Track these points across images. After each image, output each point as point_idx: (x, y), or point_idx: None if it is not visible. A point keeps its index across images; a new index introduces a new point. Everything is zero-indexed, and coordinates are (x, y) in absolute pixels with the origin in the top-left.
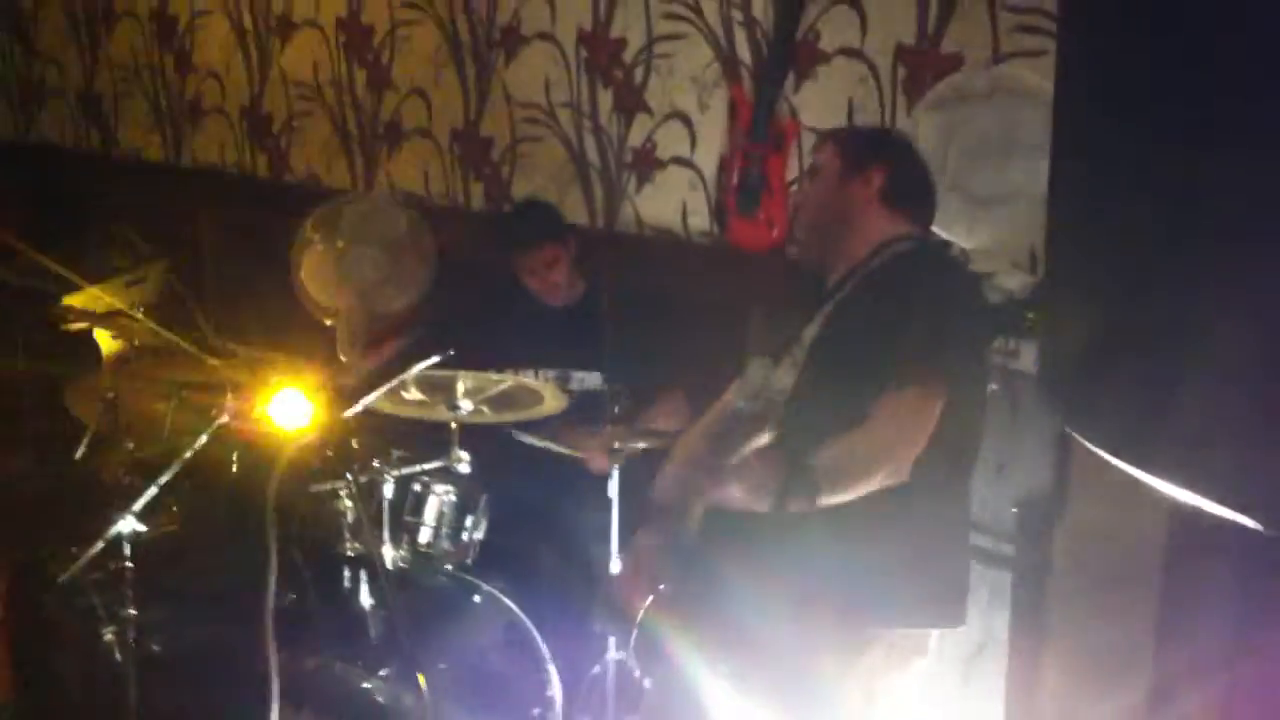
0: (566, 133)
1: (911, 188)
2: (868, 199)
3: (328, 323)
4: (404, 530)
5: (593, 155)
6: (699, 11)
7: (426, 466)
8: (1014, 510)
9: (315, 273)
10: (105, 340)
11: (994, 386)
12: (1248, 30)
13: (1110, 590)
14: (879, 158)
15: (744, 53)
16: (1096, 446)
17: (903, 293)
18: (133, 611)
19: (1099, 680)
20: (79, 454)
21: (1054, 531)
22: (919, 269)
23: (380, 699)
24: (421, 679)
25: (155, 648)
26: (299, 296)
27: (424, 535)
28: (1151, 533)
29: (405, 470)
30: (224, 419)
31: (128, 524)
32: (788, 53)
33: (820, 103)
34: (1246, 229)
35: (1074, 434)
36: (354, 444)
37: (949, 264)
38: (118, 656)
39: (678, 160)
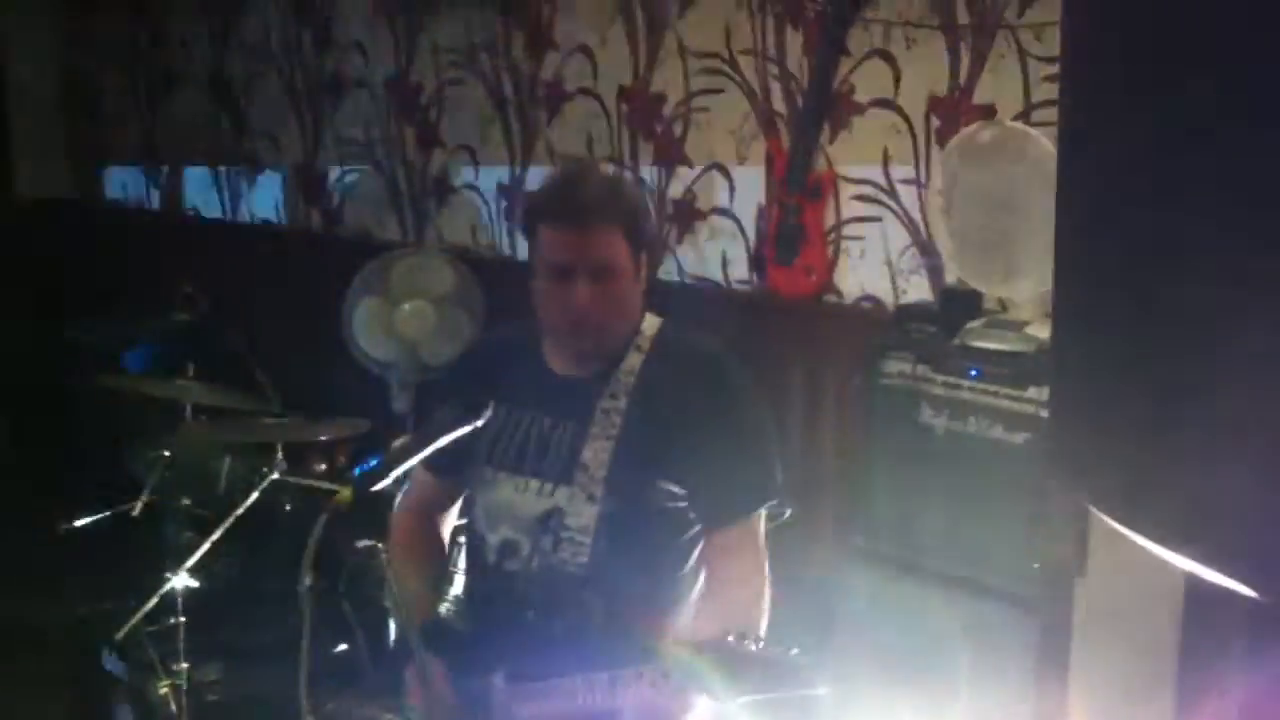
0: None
1: None
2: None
3: (378, 374)
4: (447, 581)
5: None
6: (735, 66)
7: (460, 521)
8: (1036, 566)
9: (366, 326)
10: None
11: (1028, 436)
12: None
13: (1129, 653)
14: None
15: (780, 105)
16: (1102, 510)
17: (707, 392)
18: (185, 665)
19: None
20: (136, 510)
21: (1075, 590)
22: (697, 354)
23: None
24: None
25: (210, 698)
26: (351, 350)
27: (457, 585)
28: (1168, 596)
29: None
30: (275, 475)
31: (181, 580)
32: (823, 104)
33: (855, 152)
34: (1250, 290)
35: (1089, 503)
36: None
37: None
38: (171, 709)
39: (717, 210)
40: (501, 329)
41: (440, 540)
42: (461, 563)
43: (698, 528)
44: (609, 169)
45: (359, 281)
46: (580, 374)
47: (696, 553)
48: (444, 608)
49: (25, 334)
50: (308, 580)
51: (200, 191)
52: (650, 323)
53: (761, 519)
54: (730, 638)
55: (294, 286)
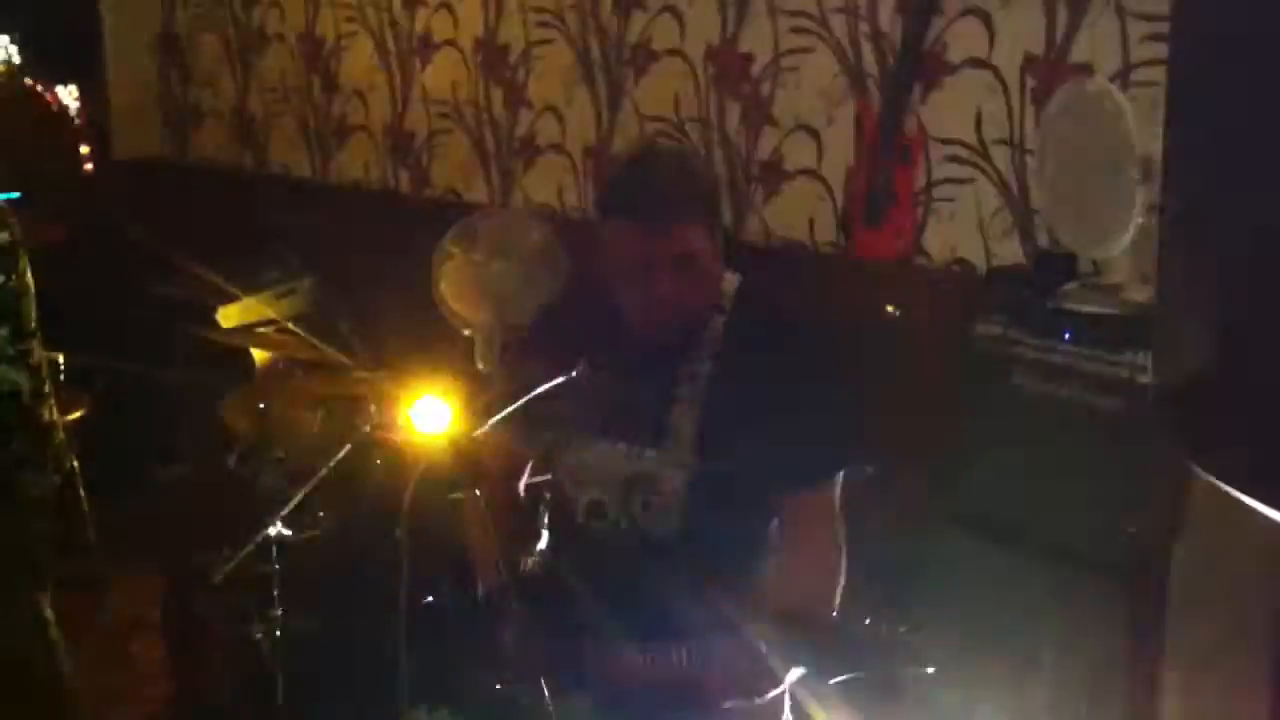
0: (695, 147)
1: None
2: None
3: (466, 333)
4: (531, 538)
5: (720, 168)
6: (825, 25)
7: (543, 479)
8: (1131, 531)
9: (454, 285)
10: (257, 353)
11: (1122, 402)
12: None
13: (1226, 621)
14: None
15: (871, 65)
16: (1215, 477)
17: (788, 356)
18: (280, 612)
19: (1220, 711)
20: (231, 462)
21: (1171, 558)
22: (778, 318)
23: (513, 699)
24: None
25: (300, 648)
26: (439, 308)
27: (543, 541)
28: (1268, 561)
29: (531, 480)
30: (368, 428)
31: (276, 529)
32: (915, 64)
33: (947, 114)
34: None
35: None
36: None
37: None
38: (265, 655)
39: (805, 172)
40: (581, 290)
41: (520, 498)
42: (545, 520)
43: (776, 492)
44: (678, 148)
45: (447, 241)
46: (663, 338)
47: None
48: (529, 563)
49: (121, 291)
50: (400, 532)
51: (290, 151)
52: (729, 280)
53: (838, 485)
54: (825, 611)
55: (382, 246)
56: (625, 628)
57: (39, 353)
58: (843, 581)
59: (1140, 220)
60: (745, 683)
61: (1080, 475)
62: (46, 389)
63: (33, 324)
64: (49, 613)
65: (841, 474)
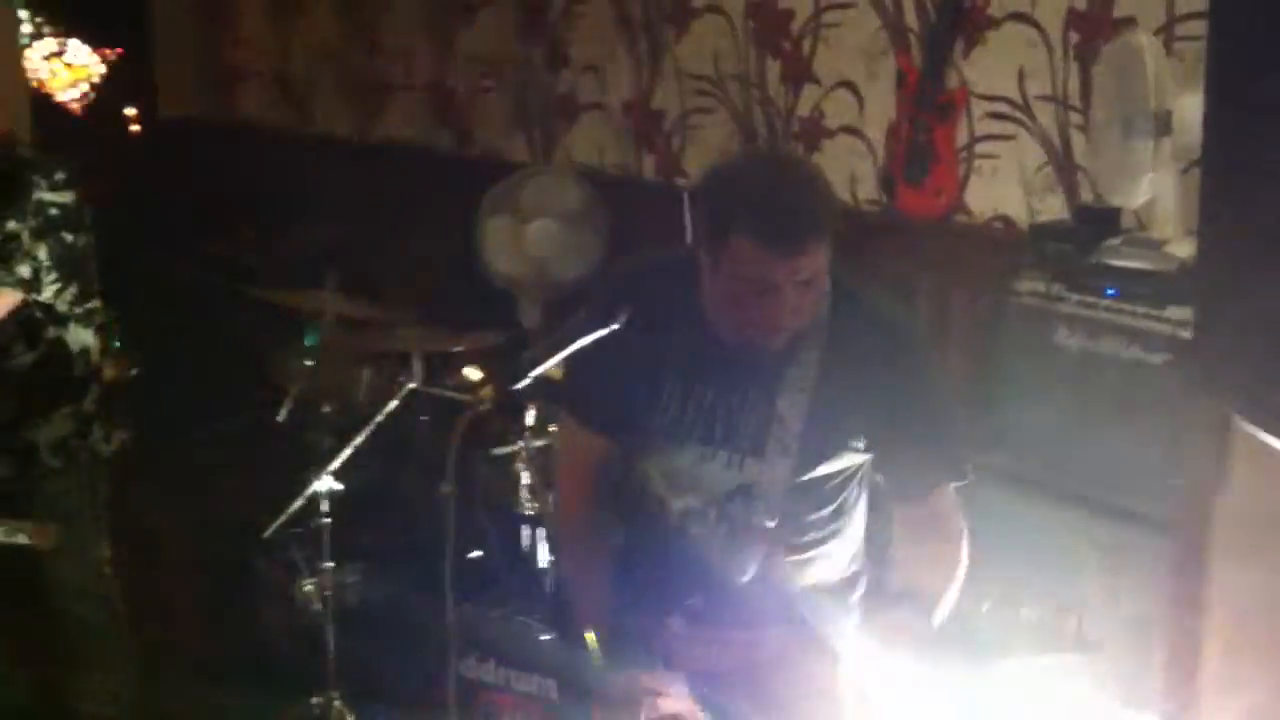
0: (735, 104)
1: None
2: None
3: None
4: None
5: (760, 126)
6: None
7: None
8: (1177, 484)
9: (497, 244)
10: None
11: (1166, 357)
12: None
13: (1271, 572)
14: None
15: (912, 20)
16: (1258, 429)
17: (889, 351)
18: (330, 564)
19: (1261, 664)
20: (281, 417)
21: (1215, 509)
22: (880, 308)
23: (558, 651)
24: (590, 635)
25: (349, 599)
26: (483, 267)
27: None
28: None
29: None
30: (412, 385)
31: (325, 483)
32: (956, 19)
33: (990, 69)
34: None
35: (1235, 414)
36: (529, 410)
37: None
38: (316, 607)
39: (845, 129)
40: (653, 277)
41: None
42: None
43: (863, 481)
44: (799, 161)
45: (489, 200)
46: (776, 345)
47: (855, 483)
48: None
49: (168, 248)
50: (447, 486)
51: (333, 110)
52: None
53: (953, 489)
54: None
55: (425, 205)
56: (719, 611)
57: (104, 313)
58: (963, 570)
59: (1182, 173)
60: (830, 667)
61: (1123, 430)
62: (112, 347)
63: (96, 284)
64: (107, 566)
65: (957, 482)
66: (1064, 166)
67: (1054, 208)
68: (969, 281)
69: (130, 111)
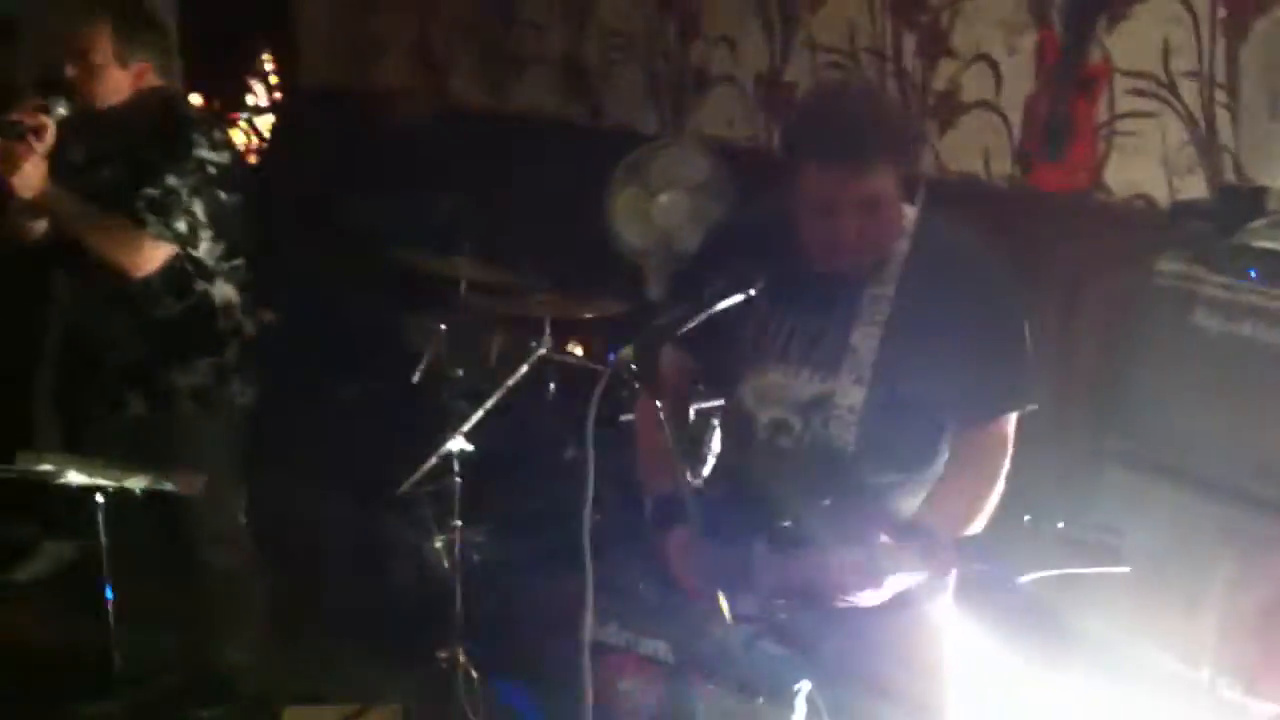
0: (869, 77)
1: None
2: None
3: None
4: (698, 460)
5: (895, 100)
6: None
7: (717, 403)
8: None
9: (625, 215)
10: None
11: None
12: None
13: None
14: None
15: None
16: None
17: (970, 289)
18: (459, 522)
19: None
20: (415, 379)
21: None
22: (961, 248)
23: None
24: (723, 600)
25: (476, 558)
26: (611, 237)
27: (709, 465)
28: None
29: (703, 404)
30: (543, 350)
31: (457, 443)
32: None
33: (1134, 44)
34: None
35: None
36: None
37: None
38: (445, 564)
39: (982, 104)
40: (757, 213)
41: (688, 417)
42: (714, 445)
43: (950, 417)
44: (869, 87)
45: (619, 172)
46: (847, 270)
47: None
48: (697, 484)
49: (307, 216)
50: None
51: (468, 82)
52: (908, 209)
53: (1013, 420)
54: (1026, 517)
55: (556, 175)
56: (803, 534)
57: (247, 271)
58: (988, 511)
59: None
60: (917, 587)
61: (1261, 415)
62: (253, 304)
63: (242, 243)
64: (243, 515)
65: (1017, 411)
66: (1207, 145)
67: (1196, 187)
68: (1106, 260)
69: (272, 79)
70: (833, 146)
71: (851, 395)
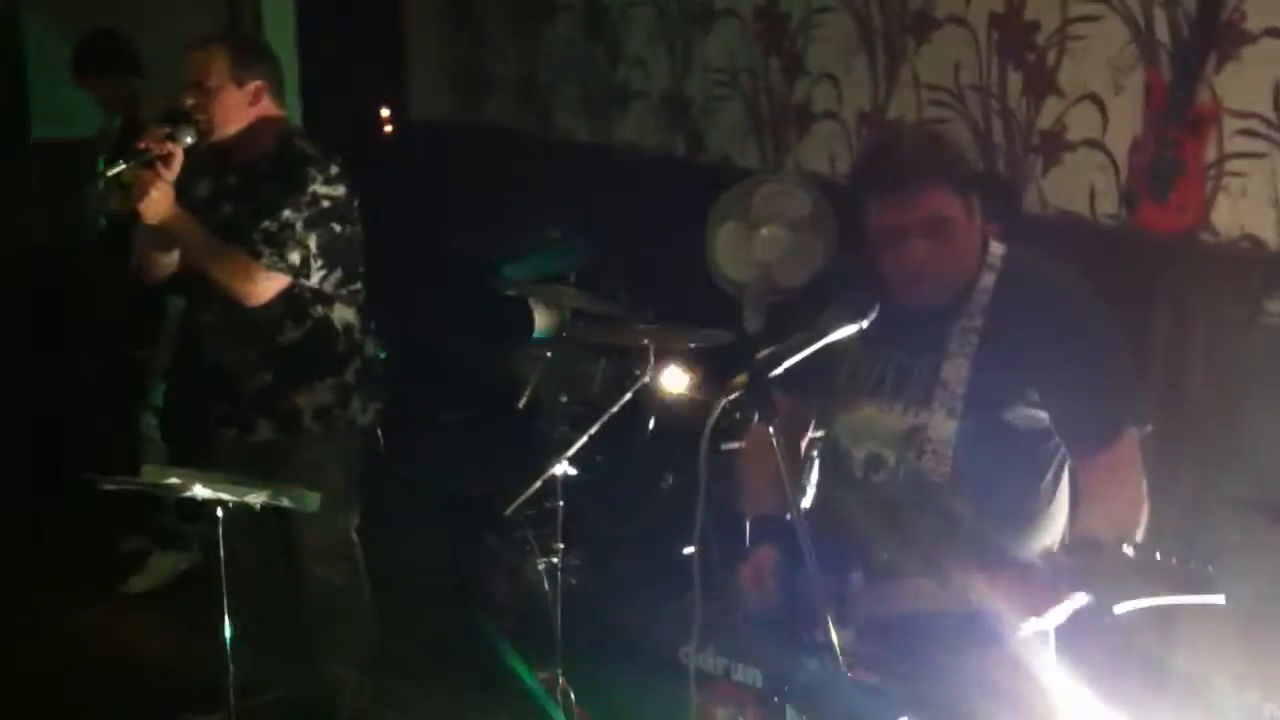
0: (974, 115)
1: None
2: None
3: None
4: (798, 492)
5: (999, 137)
6: None
7: (813, 435)
8: None
9: (726, 248)
10: (538, 305)
11: None
12: None
13: None
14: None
15: (1163, 34)
16: None
17: (1064, 316)
18: (561, 545)
19: None
20: (521, 405)
21: None
22: (1051, 277)
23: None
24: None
25: (573, 582)
26: (711, 270)
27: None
28: None
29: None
30: (645, 379)
31: (560, 468)
32: (1210, 33)
33: (1243, 85)
34: None
35: None
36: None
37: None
38: (545, 587)
39: (1088, 142)
40: (852, 258)
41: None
42: (814, 476)
43: (1054, 441)
44: (923, 129)
45: (721, 204)
46: (930, 304)
47: (1051, 471)
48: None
49: (414, 244)
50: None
51: (573, 116)
52: (996, 246)
53: (1134, 436)
54: (1116, 542)
55: (658, 208)
56: (897, 564)
57: (364, 295)
58: (1142, 529)
59: None
60: (1015, 617)
61: None
62: (371, 326)
63: (360, 268)
64: (355, 533)
65: (1132, 427)
66: None
67: None
68: (1213, 300)
69: (385, 113)
70: (884, 172)
71: (944, 428)
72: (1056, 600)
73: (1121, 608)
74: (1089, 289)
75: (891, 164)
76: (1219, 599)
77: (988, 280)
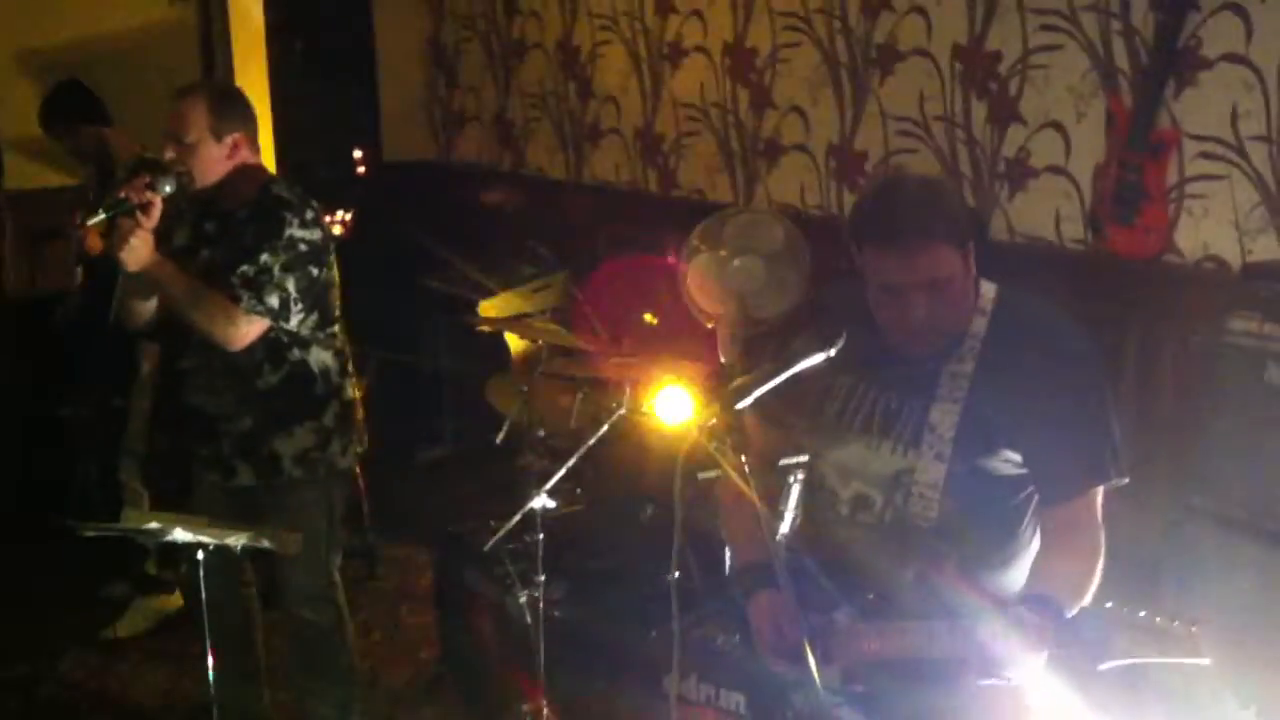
0: (940, 144)
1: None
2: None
3: (709, 326)
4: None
5: (965, 166)
6: (1076, 23)
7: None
8: None
9: (700, 280)
10: (514, 340)
11: None
12: None
13: None
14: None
15: (1122, 61)
16: None
17: (1052, 368)
18: (542, 578)
19: None
20: (499, 440)
21: None
22: (1042, 322)
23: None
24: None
25: (557, 614)
26: (685, 302)
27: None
28: None
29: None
30: (622, 411)
31: (540, 501)
32: (1168, 60)
33: (1202, 110)
34: None
35: None
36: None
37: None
38: (528, 620)
39: (1052, 169)
40: (841, 286)
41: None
42: (791, 502)
43: (1031, 488)
44: (925, 176)
45: (694, 238)
46: (929, 353)
47: (1030, 514)
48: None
49: (390, 282)
50: (662, 507)
51: (546, 153)
52: (987, 287)
53: (1100, 494)
54: (1109, 604)
55: (633, 241)
56: (883, 608)
57: (342, 337)
58: (1094, 586)
59: None
60: (995, 663)
61: None
62: (350, 369)
63: (336, 312)
64: (337, 574)
65: (1105, 485)
66: (1277, 206)
67: (1267, 248)
68: (1179, 321)
69: (358, 154)
70: (889, 230)
71: (932, 471)
72: (1038, 654)
73: (1106, 665)
74: (1080, 335)
75: (895, 220)
76: (1204, 661)
77: (979, 325)
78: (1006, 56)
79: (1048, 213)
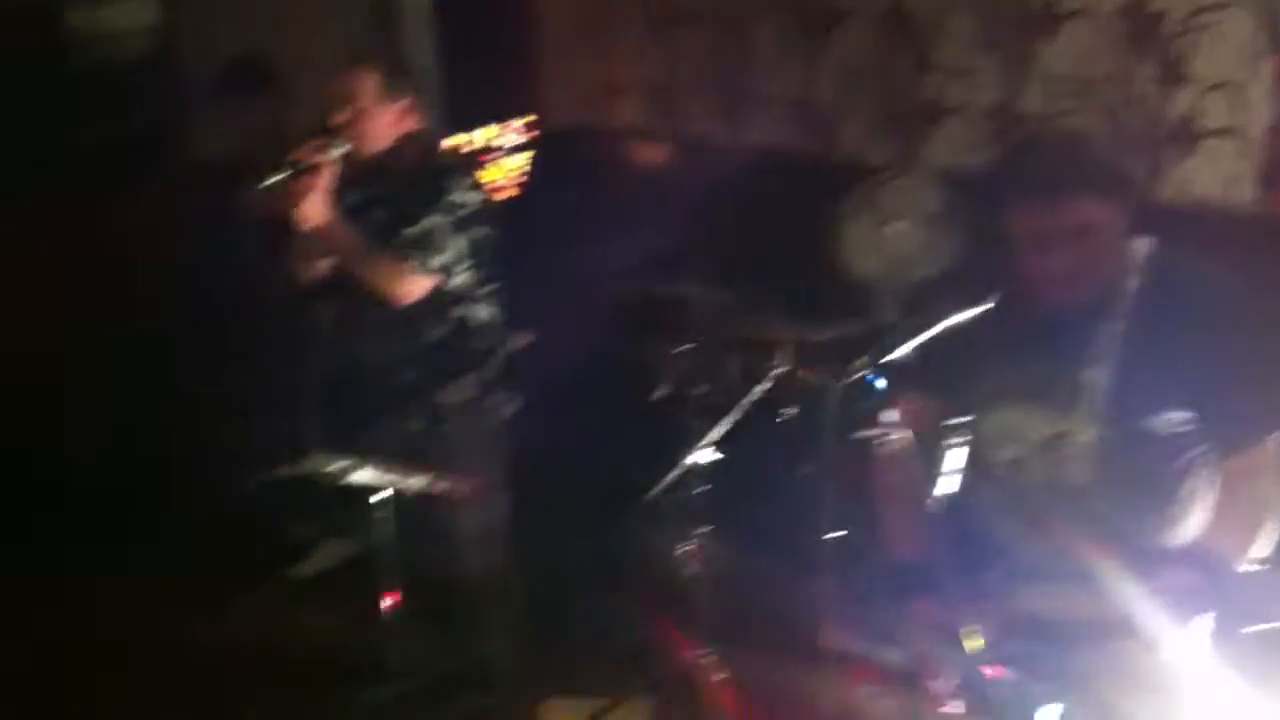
0: (1105, 105)
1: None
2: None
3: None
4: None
5: (1130, 128)
6: None
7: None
8: None
9: (856, 245)
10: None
11: None
12: None
13: None
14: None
15: None
16: None
17: (1210, 319)
18: (703, 531)
19: None
20: (659, 396)
21: None
22: (1199, 276)
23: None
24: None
25: (707, 568)
26: (843, 265)
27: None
28: None
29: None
30: (781, 370)
31: (702, 455)
32: None
33: None
34: None
35: None
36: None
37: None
38: (691, 569)
39: (1221, 130)
40: (995, 248)
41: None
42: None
43: (1196, 449)
44: (1066, 129)
45: (851, 202)
46: (1073, 304)
47: (1190, 476)
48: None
49: (558, 246)
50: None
51: (711, 119)
52: (1139, 245)
53: (1273, 443)
54: (1238, 557)
55: (793, 205)
56: (1039, 565)
57: (502, 293)
58: (1269, 541)
59: None
60: (1147, 625)
61: None
62: (509, 323)
63: (496, 269)
64: (504, 525)
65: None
66: None
67: None
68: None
69: (518, 123)
70: (1028, 179)
71: (1087, 432)
72: (1185, 618)
73: (1250, 629)
74: (1237, 289)
75: (1036, 171)
76: None
77: (1132, 283)
78: (1171, 15)
79: (1218, 174)
